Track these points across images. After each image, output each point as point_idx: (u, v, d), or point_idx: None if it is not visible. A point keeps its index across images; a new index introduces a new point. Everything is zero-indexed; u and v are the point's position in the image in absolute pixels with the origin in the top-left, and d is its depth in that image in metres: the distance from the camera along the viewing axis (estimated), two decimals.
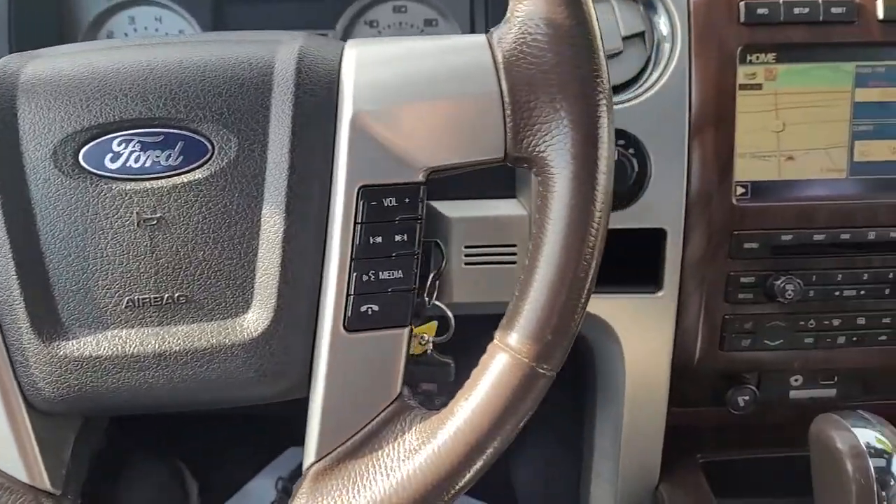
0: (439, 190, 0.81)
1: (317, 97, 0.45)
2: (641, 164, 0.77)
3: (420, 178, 0.46)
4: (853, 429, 0.63)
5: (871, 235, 0.78)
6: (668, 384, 0.85)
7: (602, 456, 0.93)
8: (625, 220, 0.78)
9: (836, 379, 0.89)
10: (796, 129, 0.78)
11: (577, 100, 0.43)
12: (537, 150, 0.44)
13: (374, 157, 0.45)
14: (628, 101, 0.77)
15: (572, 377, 0.98)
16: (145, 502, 1.13)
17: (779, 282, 0.77)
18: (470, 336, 0.62)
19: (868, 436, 0.63)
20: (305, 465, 0.46)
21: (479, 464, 0.42)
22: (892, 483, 0.61)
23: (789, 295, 0.77)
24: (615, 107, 0.77)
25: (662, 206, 0.78)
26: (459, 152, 0.45)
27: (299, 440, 0.47)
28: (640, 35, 0.78)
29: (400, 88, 0.45)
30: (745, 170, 0.78)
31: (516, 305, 0.45)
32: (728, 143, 0.77)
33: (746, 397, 0.86)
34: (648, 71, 0.78)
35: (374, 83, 0.46)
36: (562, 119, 0.42)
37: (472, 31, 0.93)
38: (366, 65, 0.46)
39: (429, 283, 0.64)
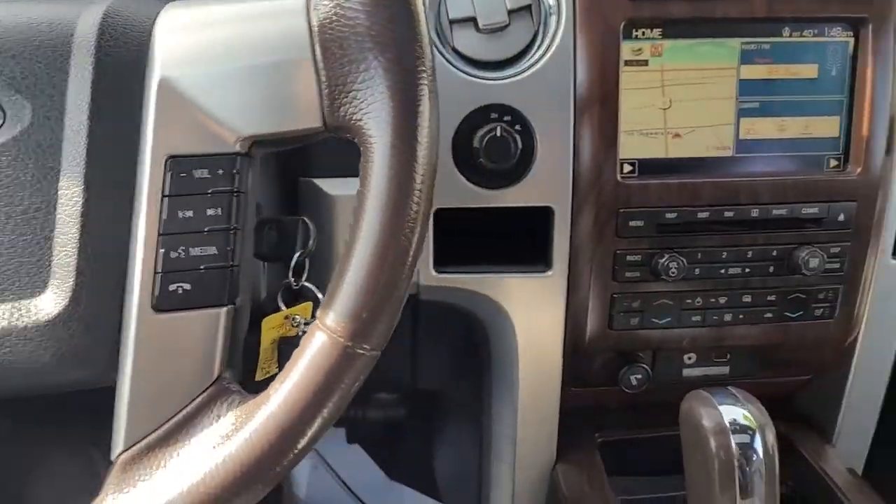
0: (326, 167, 0.79)
1: (122, 61, 0.42)
2: (527, 141, 0.76)
3: (237, 148, 0.43)
4: (720, 406, 0.63)
5: (755, 213, 0.78)
6: (562, 364, 0.84)
7: (500, 438, 0.93)
8: (511, 197, 0.77)
9: (728, 356, 0.90)
10: (683, 107, 0.77)
11: (394, 65, 0.41)
12: (354, 118, 0.41)
13: (183, 126, 0.42)
14: (514, 76, 0.75)
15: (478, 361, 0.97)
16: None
17: (663, 260, 0.77)
18: None
19: (735, 412, 0.63)
20: (113, 454, 0.44)
21: (296, 448, 0.40)
22: (755, 458, 0.62)
23: (673, 273, 0.77)
24: (501, 82, 0.77)
25: (549, 184, 0.77)
26: (275, 121, 0.43)
27: None
28: (528, 8, 0.76)
29: (212, 54, 0.42)
30: (632, 147, 0.77)
31: (335, 284, 0.43)
32: (613, 120, 0.76)
33: (639, 376, 0.85)
34: (536, 45, 0.76)
35: (185, 47, 0.43)
36: (377, 86, 0.40)
37: None
38: (178, 29, 0.44)
39: (293, 262, 0.62)
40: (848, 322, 0.85)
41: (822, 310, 0.83)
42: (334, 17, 0.41)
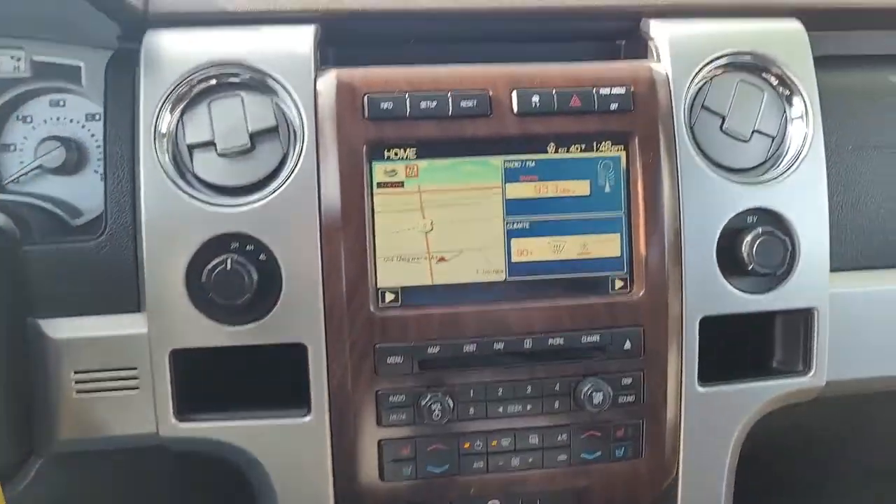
0: (47, 306, 0.70)
1: None
2: (272, 272, 0.69)
3: None
4: None
5: (528, 344, 0.71)
6: None
7: None
8: (256, 335, 0.69)
9: (538, 502, 0.80)
10: (446, 229, 0.71)
11: None
12: None
13: None
14: (257, 201, 0.69)
15: None
16: None
17: (425, 401, 0.69)
18: None
19: None
20: None
21: None
22: None
23: (436, 415, 0.68)
24: (243, 209, 0.70)
25: (298, 318, 0.69)
26: None
27: None
28: (275, 130, 0.71)
29: None
30: (393, 274, 0.70)
31: None
32: (363, 246, 0.69)
33: None
34: (284, 169, 0.71)
35: None
36: None
37: None
38: None
39: None
40: (660, 461, 0.75)
41: (624, 448, 0.74)
42: None
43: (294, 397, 0.72)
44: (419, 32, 0.80)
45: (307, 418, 0.70)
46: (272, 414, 0.71)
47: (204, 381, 0.72)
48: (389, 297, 0.70)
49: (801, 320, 0.77)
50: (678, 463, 0.76)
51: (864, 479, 1.14)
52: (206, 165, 0.70)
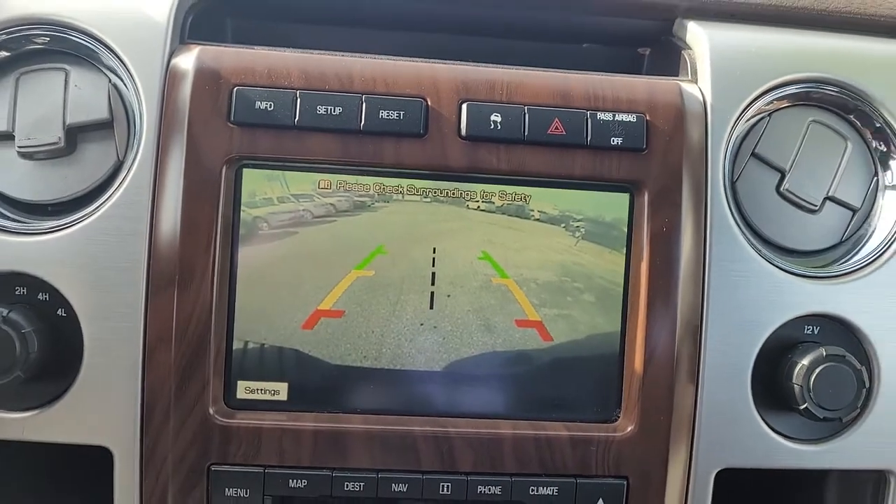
0: None
1: None
2: (72, 337, 0.46)
3: None
4: None
5: (447, 489, 0.46)
6: None
7: None
8: (40, 429, 0.46)
9: None
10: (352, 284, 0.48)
11: None
12: None
13: None
14: (59, 229, 0.46)
15: None
16: None
17: None
18: None
19: None
20: None
21: None
22: None
23: None
24: (36, 238, 0.46)
25: (102, 412, 0.45)
26: None
27: None
28: (107, 126, 0.48)
29: None
30: (251, 358, 0.47)
31: None
32: (205, 310, 0.45)
33: None
34: (113, 184, 0.48)
35: None
36: None
37: None
38: None
39: None
40: None
41: None
42: None
43: None
44: (360, 9, 0.57)
45: None
46: None
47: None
48: (244, 390, 0.47)
49: (869, 486, 0.52)
50: None
51: None
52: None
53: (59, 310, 0.46)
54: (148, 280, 0.45)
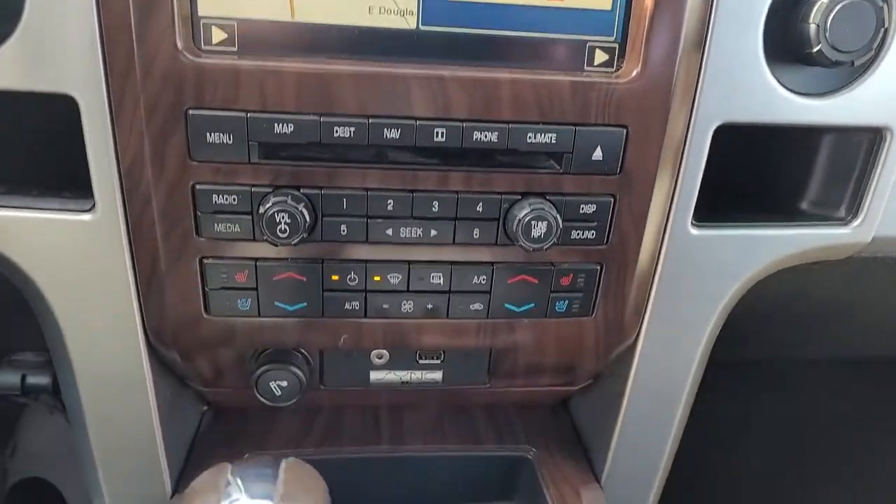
0: None
1: None
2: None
3: None
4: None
5: (441, 135, 0.44)
6: (149, 358, 0.52)
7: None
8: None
9: (443, 356, 0.59)
10: None
11: None
12: None
13: None
14: None
15: None
16: None
17: (268, 207, 0.44)
18: None
19: None
20: None
21: None
22: None
23: (282, 231, 0.44)
24: None
25: (57, 53, 0.41)
26: None
27: None
28: None
29: None
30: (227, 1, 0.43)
31: None
32: None
33: (284, 383, 0.54)
34: None
35: None
36: None
37: None
38: None
39: None
40: (616, 322, 0.53)
41: (567, 302, 0.52)
42: None
43: (77, 183, 0.46)
44: None
45: (90, 215, 0.46)
46: (40, 204, 0.46)
47: None
48: (218, 36, 0.42)
49: (863, 144, 0.52)
50: (641, 326, 0.55)
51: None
52: None
53: None
54: None
